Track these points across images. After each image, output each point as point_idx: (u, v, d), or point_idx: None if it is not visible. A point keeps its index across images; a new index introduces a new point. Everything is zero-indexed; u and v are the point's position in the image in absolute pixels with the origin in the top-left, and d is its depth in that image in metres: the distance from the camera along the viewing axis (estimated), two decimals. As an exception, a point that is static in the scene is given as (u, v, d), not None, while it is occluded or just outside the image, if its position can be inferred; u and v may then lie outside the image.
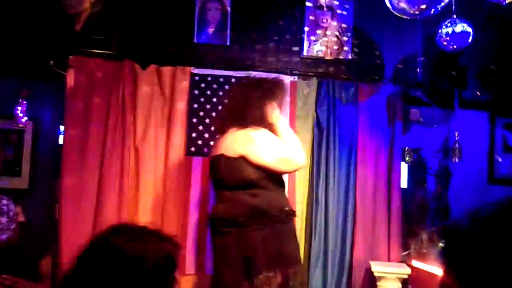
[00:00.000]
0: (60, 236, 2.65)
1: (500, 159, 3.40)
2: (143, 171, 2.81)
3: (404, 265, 2.93)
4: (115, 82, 2.80)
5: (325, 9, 3.11)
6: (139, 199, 2.80)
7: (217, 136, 2.37)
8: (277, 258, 2.11)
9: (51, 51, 2.73)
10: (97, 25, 2.83)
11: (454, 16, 2.49)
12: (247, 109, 2.20)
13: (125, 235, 0.90)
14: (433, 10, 2.27)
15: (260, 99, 2.23)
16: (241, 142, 2.17)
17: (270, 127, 2.24)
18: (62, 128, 2.88)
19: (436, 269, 2.76)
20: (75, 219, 2.69)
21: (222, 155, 2.19)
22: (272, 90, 2.28)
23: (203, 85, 2.94)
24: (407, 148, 3.22)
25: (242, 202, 2.14)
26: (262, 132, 2.20)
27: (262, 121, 2.22)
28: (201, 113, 2.92)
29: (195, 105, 2.92)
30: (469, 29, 2.63)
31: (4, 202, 2.08)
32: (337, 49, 3.11)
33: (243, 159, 2.15)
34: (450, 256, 0.57)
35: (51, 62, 2.72)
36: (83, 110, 2.76)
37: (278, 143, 2.22)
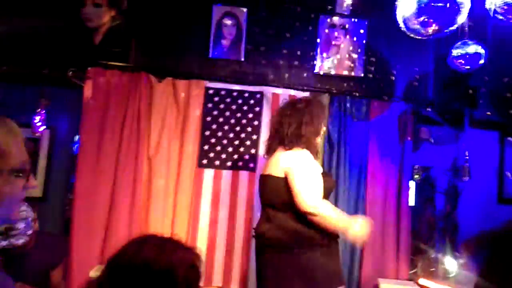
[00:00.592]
0: (71, 247, 2.67)
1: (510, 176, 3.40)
2: (155, 182, 2.84)
3: (412, 283, 2.93)
4: (131, 93, 2.85)
5: (338, 27, 3.17)
6: (150, 210, 2.82)
7: (265, 157, 2.36)
8: (312, 282, 2.07)
9: (71, 63, 2.80)
10: (116, 38, 2.90)
11: (467, 39, 2.53)
12: (288, 129, 2.20)
13: (153, 247, 0.92)
14: (445, 31, 2.31)
15: (298, 119, 2.22)
16: (285, 162, 2.17)
17: (311, 147, 2.22)
18: (77, 138, 2.93)
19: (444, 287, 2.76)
20: (87, 230, 2.72)
21: (269, 175, 2.20)
22: (309, 109, 2.25)
23: (216, 98, 2.98)
24: (416, 166, 3.24)
25: (286, 225, 2.12)
26: (306, 152, 2.18)
27: (302, 141, 2.19)
28: (214, 126, 2.96)
29: (208, 118, 2.96)
30: (482, 51, 2.67)
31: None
32: (349, 66, 3.16)
33: (287, 179, 2.14)
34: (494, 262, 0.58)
35: (70, 72, 2.78)
36: (99, 120, 2.81)
37: (314, 172, 2.15)
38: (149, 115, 2.88)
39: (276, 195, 2.16)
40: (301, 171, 2.12)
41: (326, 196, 2.18)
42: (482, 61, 2.69)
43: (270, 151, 2.29)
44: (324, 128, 2.34)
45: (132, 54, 2.93)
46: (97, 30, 2.89)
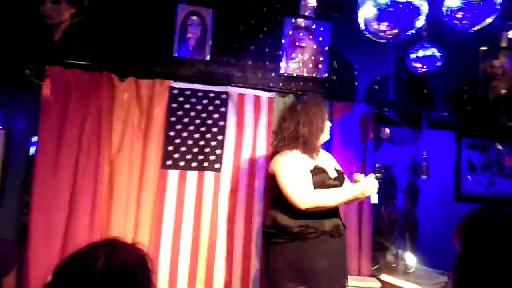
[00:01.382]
0: (28, 252, 2.56)
1: (470, 178, 3.57)
2: (118, 184, 2.77)
3: (375, 279, 3.01)
4: (92, 93, 2.77)
5: (302, 29, 3.21)
6: (111, 213, 2.75)
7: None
8: (295, 273, 2.24)
9: (28, 61, 2.68)
10: (76, 36, 2.82)
11: (424, 42, 2.63)
12: (286, 133, 2.39)
13: (103, 251, 0.89)
14: (404, 35, 2.39)
15: (295, 122, 2.38)
16: (274, 162, 2.42)
17: (311, 147, 2.38)
18: (34, 138, 2.82)
19: (404, 283, 2.85)
20: (45, 234, 2.61)
21: (268, 173, 2.53)
22: (305, 110, 2.39)
23: (181, 98, 2.95)
24: (378, 165, 3.34)
25: (275, 218, 2.35)
26: (291, 155, 2.36)
27: (300, 142, 2.37)
28: (179, 127, 2.93)
29: (173, 118, 2.93)
30: (438, 54, 2.78)
31: None
32: (313, 67, 3.21)
33: (274, 177, 2.37)
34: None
35: (27, 71, 2.67)
36: (58, 120, 2.71)
37: (296, 171, 2.32)
38: (110, 116, 2.80)
39: (270, 192, 2.47)
40: (283, 173, 2.31)
41: (320, 188, 2.33)
42: (439, 64, 2.81)
43: (274, 152, 2.49)
44: (328, 124, 2.47)
45: (94, 52, 2.85)
46: (56, 27, 2.79)
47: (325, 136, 2.49)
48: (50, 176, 2.67)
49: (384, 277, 3.03)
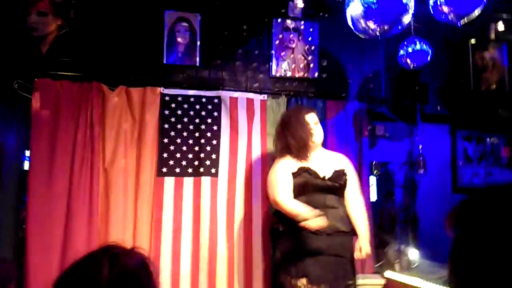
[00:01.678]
0: (27, 267, 2.53)
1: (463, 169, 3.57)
2: (113, 194, 2.75)
3: (378, 276, 3.00)
4: (82, 104, 2.75)
5: (291, 30, 3.21)
6: (109, 222, 2.73)
7: None
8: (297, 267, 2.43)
9: (17, 74, 2.66)
10: (64, 47, 2.80)
11: (414, 37, 2.63)
12: (277, 144, 2.66)
13: (105, 259, 0.88)
14: (393, 31, 2.39)
15: (284, 134, 2.61)
16: None
17: (304, 151, 2.55)
18: (27, 153, 2.80)
19: (408, 278, 2.83)
20: (43, 247, 2.58)
21: None
22: (290, 121, 2.60)
23: (173, 105, 2.94)
24: (374, 162, 3.34)
25: (274, 215, 2.66)
26: (280, 161, 2.58)
27: (293, 151, 2.55)
28: (172, 133, 2.91)
29: (166, 125, 2.91)
30: (428, 48, 2.78)
31: None
32: (304, 68, 3.21)
33: None
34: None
35: (16, 85, 2.65)
36: (50, 133, 2.69)
37: (277, 175, 2.55)
38: (103, 126, 2.78)
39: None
40: (268, 177, 2.62)
41: (303, 189, 2.50)
42: (429, 58, 2.80)
43: None
44: (314, 124, 2.59)
45: (82, 63, 2.83)
46: (43, 39, 2.77)
47: (316, 137, 2.60)
48: (45, 189, 2.65)
49: (388, 273, 3.01)
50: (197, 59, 3.03)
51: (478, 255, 0.54)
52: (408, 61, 2.85)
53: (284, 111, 3.03)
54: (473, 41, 3.53)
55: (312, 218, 2.35)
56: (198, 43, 3.04)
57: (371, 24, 2.33)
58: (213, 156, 2.95)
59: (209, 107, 2.99)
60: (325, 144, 3.10)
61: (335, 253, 2.45)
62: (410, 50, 2.78)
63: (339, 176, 2.58)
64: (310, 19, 3.24)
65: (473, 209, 0.62)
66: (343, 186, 2.58)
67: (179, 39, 3.02)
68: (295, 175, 2.52)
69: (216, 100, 3.00)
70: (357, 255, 2.53)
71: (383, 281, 2.90)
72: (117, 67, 2.92)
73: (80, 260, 0.90)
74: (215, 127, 2.98)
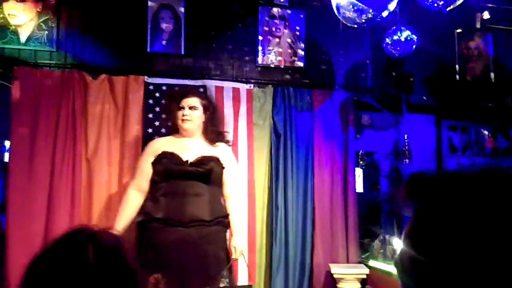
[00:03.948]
0: (7, 261, 2.50)
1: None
2: (96, 185, 2.71)
3: (363, 265, 3.01)
4: (64, 93, 2.69)
5: (277, 18, 3.18)
6: (92, 214, 2.69)
7: None
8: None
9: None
10: (45, 35, 2.73)
11: (399, 25, 2.62)
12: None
13: (86, 240, 0.85)
14: (378, 18, 2.38)
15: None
16: None
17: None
18: (7, 143, 2.74)
19: (391, 268, 2.86)
20: (23, 242, 2.53)
21: None
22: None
23: (157, 94, 2.89)
24: (360, 151, 3.34)
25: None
26: (155, 141, 2.55)
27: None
28: (157, 123, 2.87)
29: (150, 115, 2.87)
30: (414, 36, 2.78)
31: None
32: (291, 57, 3.18)
33: None
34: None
35: (-6, 73, 2.58)
36: (30, 123, 2.63)
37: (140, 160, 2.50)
38: (85, 115, 2.73)
39: None
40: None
41: (163, 176, 2.36)
42: (414, 47, 2.80)
43: None
44: (185, 113, 2.45)
45: (64, 51, 2.77)
46: (23, 26, 2.70)
47: (185, 124, 2.45)
48: (25, 181, 2.60)
49: (372, 263, 3.03)
50: (182, 47, 2.99)
51: (446, 228, 0.52)
52: (393, 49, 2.85)
53: (266, 99, 3.01)
54: (459, 30, 3.54)
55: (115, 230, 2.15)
56: (183, 31, 2.99)
57: (357, 12, 2.32)
58: (198, 146, 2.91)
59: (194, 96, 2.95)
60: (312, 135, 3.10)
61: (194, 244, 2.26)
62: (395, 38, 2.77)
63: (204, 161, 2.38)
64: (296, 6, 3.21)
65: (427, 181, 0.59)
66: (208, 172, 2.36)
67: (163, 27, 2.96)
68: (156, 161, 2.38)
69: (201, 89, 2.96)
70: (233, 255, 2.39)
71: (366, 271, 2.92)
72: (99, 55, 2.86)
73: (56, 244, 0.87)
74: (200, 117, 2.94)
